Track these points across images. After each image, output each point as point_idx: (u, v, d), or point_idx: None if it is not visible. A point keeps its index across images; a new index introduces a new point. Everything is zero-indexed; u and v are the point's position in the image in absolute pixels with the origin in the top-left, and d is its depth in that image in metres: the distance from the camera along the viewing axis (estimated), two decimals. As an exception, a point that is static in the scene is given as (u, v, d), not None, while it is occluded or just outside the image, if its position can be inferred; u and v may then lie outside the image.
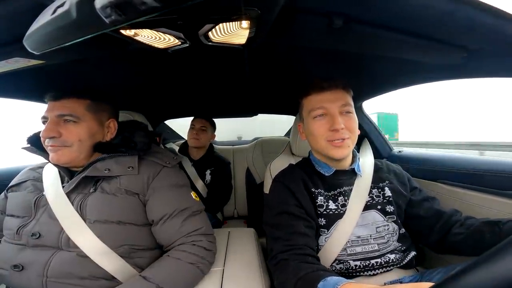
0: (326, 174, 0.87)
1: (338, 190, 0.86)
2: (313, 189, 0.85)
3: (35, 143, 0.83)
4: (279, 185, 0.87)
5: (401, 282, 0.77)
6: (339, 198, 0.84)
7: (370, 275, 0.78)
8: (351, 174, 0.89)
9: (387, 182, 0.89)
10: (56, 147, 0.77)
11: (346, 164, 0.89)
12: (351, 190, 0.85)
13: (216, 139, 2.38)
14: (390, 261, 0.79)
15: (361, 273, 0.78)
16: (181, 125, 2.52)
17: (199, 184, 1.76)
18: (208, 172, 1.83)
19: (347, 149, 0.82)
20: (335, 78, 0.84)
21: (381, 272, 0.79)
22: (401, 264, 0.80)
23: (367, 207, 0.83)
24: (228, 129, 4.07)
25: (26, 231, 0.73)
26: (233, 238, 1.08)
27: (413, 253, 0.82)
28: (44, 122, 0.79)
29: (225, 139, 3.04)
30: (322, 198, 0.83)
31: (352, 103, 0.84)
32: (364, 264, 0.78)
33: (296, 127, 1.17)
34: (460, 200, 1.00)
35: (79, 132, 0.79)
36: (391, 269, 0.80)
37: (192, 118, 1.88)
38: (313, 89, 0.84)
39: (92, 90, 0.85)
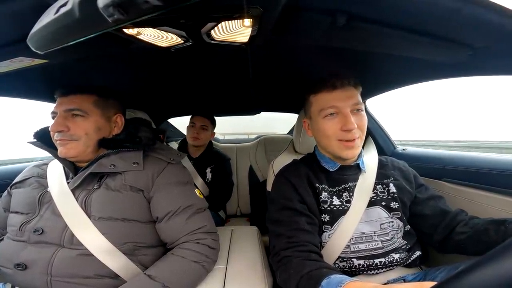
0: (331, 170, 0.87)
1: (343, 186, 0.85)
2: (317, 185, 0.84)
3: (42, 138, 0.85)
4: (282, 180, 0.87)
5: (404, 280, 0.76)
6: (344, 194, 0.84)
7: (373, 273, 0.78)
8: (356, 169, 0.88)
9: (391, 178, 0.89)
10: (65, 141, 0.79)
11: (350, 160, 0.88)
12: (355, 186, 0.85)
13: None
14: (394, 261, 0.78)
15: (364, 272, 0.78)
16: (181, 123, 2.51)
17: (199, 182, 1.74)
18: (208, 170, 1.80)
19: (357, 149, 0.81)
20: (346, 76, 0.81)
21: (384, 271, 0.78)
22: (405, 263, 0.80)
23: (371, 203, 0.83)
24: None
25: (29, 227, 0.73)
26: (236, 236, 1.09)
27: (418, 253, 0.82)
28: (53, 117, 0.81)
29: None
30: (326, 194, 0.83)
31: (361, 100, 0.83)
32: (368, 263, 0.78)
33: (300, 125, 1.17)
34: (465, 199, 0.99)
35: (86, 126, 0.81)
36: (395, 268, 0.80)
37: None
38: (324, 87, 0.82)
39: (99, 86, 0.87)
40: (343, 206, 0.82)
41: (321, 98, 0.83)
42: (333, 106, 0.80)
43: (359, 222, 0.80)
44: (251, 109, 2.13)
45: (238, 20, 0.55)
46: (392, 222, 0.82)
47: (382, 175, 0.89)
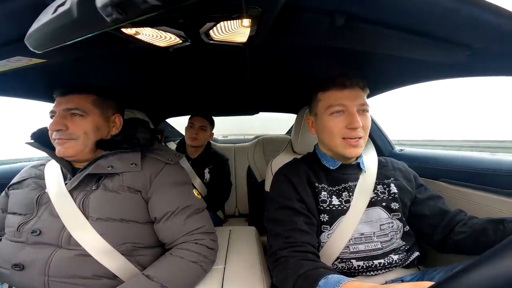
0: (331, 168, 0.87)
1: (343, 185, 0.85)
2: (316, 184, 0.84)
3: (39, 139, 0.85)
4: (281, 178, 0.87)
5: (402, 281, 0.76)
6: (343, 194, 0.84)
7: (372, 275, 0.78)
8: (356, 169, 0.88)
9: (392, 178, 0.89)
10: (63, 140, 0.78)
11: (351, 159, 0.88)
12: (355, 186, 0.85)
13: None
14: (394, 262, 0.78)
15: (363, 273, 0.78)
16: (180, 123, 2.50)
17: (197, 183, 1.73)
18: (206, 170, 1.80)
19: (360, 148, 0.81)
20: (355, 77, 0.83)
21: (383, 273, 0.79)
22: (404, 264, 0.80)
23: (371, 204, 0.83)
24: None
25: (26, 228, 0.73)
26: (234, 237, 1.08)
27: (416, 254, 0.82)
28: (52, 117, 0.81)
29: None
30: (325, 193, 0.83)
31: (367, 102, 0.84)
32: (367, 265, 0.78)
33: (298, 125, 1.17)
34: (462, 199, 0.99)
35: (85, 125, 0.81)
36: (393, 269, 0.80)
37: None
38: (334, 85, 0.83)
39: (98, 86, 0.87)
40: (342, 206, 0.82)
41: (330, 95, 0.84)
42: (341, 104, 0.81)
43: (359, 222, 0.80)
44: (250, 109, 2.13)
45: (237, 20, 0.55)
46: (392, 223, 0.82)
47: (382, 175, 0.89)
